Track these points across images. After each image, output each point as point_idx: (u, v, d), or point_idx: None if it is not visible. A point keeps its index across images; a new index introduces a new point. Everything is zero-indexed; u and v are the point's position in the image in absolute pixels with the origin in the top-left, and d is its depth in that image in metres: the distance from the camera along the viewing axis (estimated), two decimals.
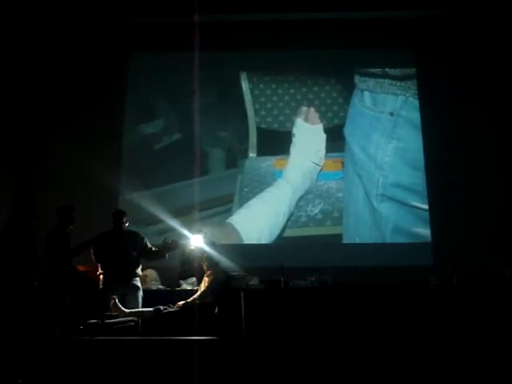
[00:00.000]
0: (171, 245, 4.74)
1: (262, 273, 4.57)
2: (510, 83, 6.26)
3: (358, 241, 6.27)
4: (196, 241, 4.86)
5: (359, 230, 6.31)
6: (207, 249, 4.63)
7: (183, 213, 6.25)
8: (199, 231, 5.06)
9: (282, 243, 6.24)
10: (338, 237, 6.31)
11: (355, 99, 6.67)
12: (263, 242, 6.24)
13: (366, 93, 6.66)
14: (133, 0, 6.33)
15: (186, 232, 5.25)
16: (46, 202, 4.61)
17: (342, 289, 4.16)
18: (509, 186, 6.12)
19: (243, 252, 5.71)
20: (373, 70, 6.69)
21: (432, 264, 5.88)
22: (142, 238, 4.69)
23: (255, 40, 6.63)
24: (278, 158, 6.54)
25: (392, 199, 6.29)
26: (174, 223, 5.80)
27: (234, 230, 6.27)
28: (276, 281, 4.11)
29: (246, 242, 6.24)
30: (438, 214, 6.17)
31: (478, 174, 6.12)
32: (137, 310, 4.31)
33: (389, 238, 6.24)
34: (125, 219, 4.65)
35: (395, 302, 3.87)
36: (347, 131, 6.57)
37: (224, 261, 4.63)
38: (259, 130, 6.66)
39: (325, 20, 6.55)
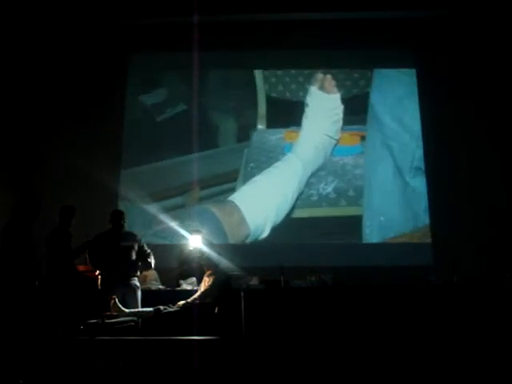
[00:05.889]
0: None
1: (261, 273, 4.58)
2: (510, 82, 6.26)
3: (382, 220, 5.72)
4: (194, 241, 4.86)
5: (385, 208, 5.77)
6: (206, 249, 4.63)
7: (184, 190, 5.80)
8: (197, 231, 5.05)
9: (281, 244, 6.10)
10: (355, 218, 5.80)
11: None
12: (269, 222, 5.71)
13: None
14: (136, 1, 6.33)
15: (183, 231, 5.23)
16: (46, 202, 4.61)
17: (342, 289, 4.16)
18: (509, 187, 6.12)
19: (243, 252, 5.70)
20: None
21: (432, 264, 5.87)
22: (140, 239, 4.72)
23: (262, 39, 6.56)
24: (289, 130, 5.97)
25: None
26: (176, 201, 5.56)
27: (235, 209, 5.74)
28: (276, 281, 4.11)
29: (249, 222, 5.74)
30: (439, 214, 6.16)
31: (479, 173, 6.11)
32: (137, 310, 4.31)
33: (423, 218, 5.77)
34: (124, 219, 4.66)
35: (395, 302, 3.87)
36: (374, 99, 6.03)
37: (224, 261, 4.63)
38: (269, 100, 6.07)
39: (323, 20, 6.54)
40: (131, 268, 4.53)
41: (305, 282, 4.25)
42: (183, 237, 5.42)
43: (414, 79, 6.43)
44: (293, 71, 6.16)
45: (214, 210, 5.77)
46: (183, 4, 6.08)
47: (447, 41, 6.52)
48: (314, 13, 6.46)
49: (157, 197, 5.82)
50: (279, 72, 6.14)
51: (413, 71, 6.55)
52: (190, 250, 4.94)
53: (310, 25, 6.51)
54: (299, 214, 5.86)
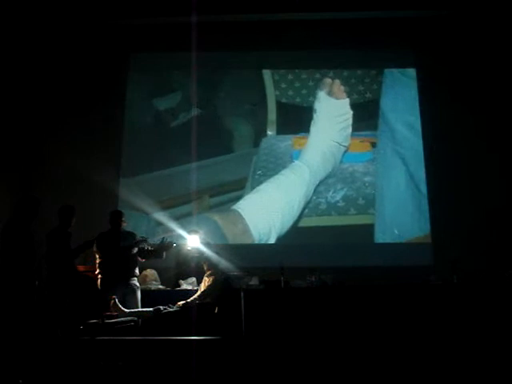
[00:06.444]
0: (168, 245, 4.76)
1: (261, 273, 4.58)
2: (510, 82, 6.26)
3: (396, 233, 5.61)
4: (192, 241, 4.85)
5: (399, 220, 5.60)
6: (205, 249, 4.62)
7: (191, 198, 5.70)
8: (195, 232, 5.04)
9: (280, 244, 6.07)
10: (364, 227, 5.68)
11: (394, 69, 6.07)
12: (274, 231, 5.60)
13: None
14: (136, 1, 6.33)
15: (182, 232, 5.22)
16: (46, 202, 4.61)
17: (342, 289, 4.16)
18: (509, 187, 6.12)
19: (243, 252, 5.69)
20: None
21: (432, 264, 5.87)
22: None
23: (263, 39, 6.51)
24: (297, 136, 5.85)
25: None
26: (183, 209, 5.47)
27: (239, 217, 5.62)
28: (276, 281, 4.11)
29: (253, 231, 5.64)
30: (438, 214, 6.16)
31: (479, 173, 6.11)
32: (137, 310, 4.31)
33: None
34: (123, 219, 4.67)
35: (395, 302, 3.87)
36: (385, 105, 5.88)
37: (223, 261, 4.63)
38: (279, 105, 5.96)
39: (324, 20, 6.54)
40: (131, 268, 4.53)
41: (305, 282, 4.25)
42: (181, 236, 5.42)
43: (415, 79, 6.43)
44: (303, 76, 6.06)
45: (217, 218, 5.68)
46: (183, 4, 6.08)
47: (447, 41, 6.52)
48: (313, 13, 6.44)
49: (162, 205, 5.75)
50: (289, 76, 6.02)
51: (413, 71, 6.55)
52: (189, 250, 4.93)
53: (308, 25, 6.50)
54: (307, 222, 5.74)
